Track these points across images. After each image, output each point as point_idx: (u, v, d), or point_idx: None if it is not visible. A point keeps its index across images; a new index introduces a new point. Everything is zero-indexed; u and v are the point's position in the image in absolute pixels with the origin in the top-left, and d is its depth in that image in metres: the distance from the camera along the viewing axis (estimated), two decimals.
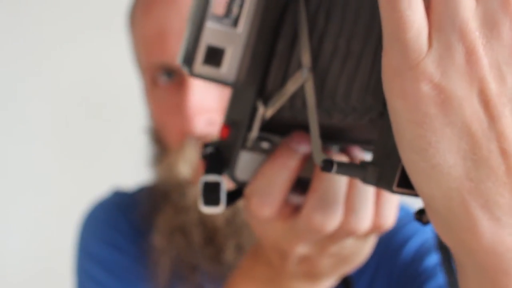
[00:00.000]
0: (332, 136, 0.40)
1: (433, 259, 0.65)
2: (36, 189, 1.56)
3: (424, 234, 0.68)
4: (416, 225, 0.69)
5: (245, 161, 0.41)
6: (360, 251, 0.45)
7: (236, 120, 0.41)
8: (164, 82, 0.70)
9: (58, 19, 1.53)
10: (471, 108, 0.26)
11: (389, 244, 0.68)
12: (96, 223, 0.80)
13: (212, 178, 0.40)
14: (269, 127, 0.41)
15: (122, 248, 0.76)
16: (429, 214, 0.29)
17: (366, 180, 0.32)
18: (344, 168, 0.33)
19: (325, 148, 0.42)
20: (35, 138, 1.56)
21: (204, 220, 0.72)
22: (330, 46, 0.36)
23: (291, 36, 0.39)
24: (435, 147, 0.27)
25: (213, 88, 0.67)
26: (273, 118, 0.39)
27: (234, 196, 0.42)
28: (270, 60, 0.39)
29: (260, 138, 0.41)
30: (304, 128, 0.39)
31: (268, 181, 0.40)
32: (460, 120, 0.26)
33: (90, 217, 0.81)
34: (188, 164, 0.68)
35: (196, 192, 0.70)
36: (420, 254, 0.66)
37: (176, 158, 0.69)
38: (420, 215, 0.34)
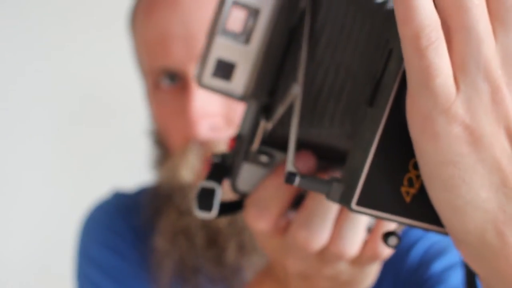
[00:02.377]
0: (335, 158, 0.41)
1: (440, 264, 0.65)
2: (36, 190, 1.56)
3: (429, 239, 0.68)
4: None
5: (247, 172, 0.42)
6: (360, 280, 0.45)
7: (242, 133, 0.43)
8: (167, 86, 0.69)
9: (60, 20, 1.52)
10: (500, 144, 0.28)
11: None
12: (96, 226, 0.80)
13: (209, 184, 0.42)
14: (272, 141, 0.42)
15: (122, 252, 0.76)
16: (460, 247, 0.30)
17: (329, 196, 0.33)
18: (308, 182, 0.34)
19: (323, 168, 0.43)
20: (36, 139, 1.55)
21: (208, 223, 0.72)
22: (323, 71, 0.38)
23: (297, 57, 0.40)
24: (468, 184, 0.28)
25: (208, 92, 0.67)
26: (276, 132, 0.41)
27: (231, 207, 0.44)
28: (278, 77, 0.41)
29: (260, 152, 0.42)
30: (307, 145, 0.41)
31: (267, 195, 0.41)
32: (491, 156, 0.28)
33: (90, 220, 0.81)
34: (190, 168, 0.68)
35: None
36: (427, 259, 0.66)
37: (178, 162, 0.69)
38: (387, 237, 0.35)
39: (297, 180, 0.33)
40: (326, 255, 0.42)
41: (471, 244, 0.29)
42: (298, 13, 0.41)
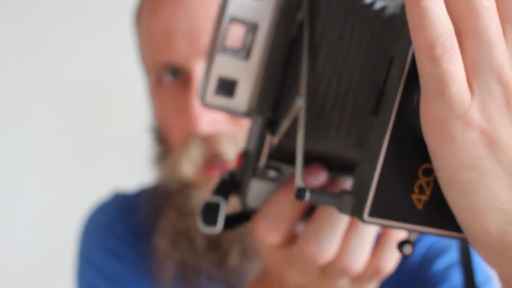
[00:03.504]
0: (344, 168, 0.41)
1: (443, 262, 0.65)
2: (37, 189, 1.56)
3: (431, 237, 0.67)
4: None
5: (256, 188, 0.42)
6: None
7: (248, 149, 0.43)
8: (169, 81, 0.69)
9: (60, 19, 1.54)
10: None
11: None
12: (95, 228, 0.79)
13: (215, 199, 0.42)
14: (280, 155, 0.42)
15: (121, 255, 0.76)
16: (479, 249, 0.30)
17: (341, 209, 0.33)
18: (319, 196, 0.33)
19: (334, 179, 0.43)
20: (36, 138, 1.56)
21: None
22: (325, 81, 0.38)
23: (299, 69, 0.40)
24: (487, 186, 0.28)
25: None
26: (283, 146, 0.41)
27: (236, 220, 0.44)
28: (281, 91, 0.41)
29: (268, 167, 0.42)
30: (316, 157, 0.40)
31: (278, 209, 0.41)
32: (508, 158, 0.28)
33: (90, 222, 0.81)
34: (191, 164, 0.68)
35: (200, 195, 0.70)
36: (429, 258, 0.66)
37: (179, 157, 0.68)
38: (402, 246, 0.35)
39: (307, 195, 0.33)
40: (330, 270, 0.42)
41: (491, 246, 0.29)
42: (296, 25, 0.41)
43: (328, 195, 0.33)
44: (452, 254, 0.65)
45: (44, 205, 1.55)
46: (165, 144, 0.74)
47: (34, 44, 1.54)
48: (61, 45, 1.53)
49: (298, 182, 0.35)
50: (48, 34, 1.53)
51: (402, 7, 0.31)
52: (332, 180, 0.42)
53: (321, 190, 0.34)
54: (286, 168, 0.43)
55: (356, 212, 0.32)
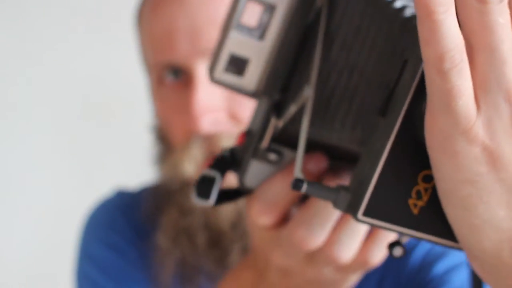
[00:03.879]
0: (346, 158, 0.41)
1: (442, 265, 0.64)
2: (38, 188, 1.56)
3: None
4: None
5: (255, 169, 0.42)
6: (340, 285, 0.45)
7: (252, 129, 0.43)
8: (171, 81, 0.69)
9: (61, 19, 1.54)
10: None
11: None
12: (97, 225, 0.80)
13: (210, 173, 0.41)
14: (282, 139, 0.42)
15: (122, 251, 0.76)
16: (475, 264, 0.30)
17: (336, 204, 0.33)
18: (316, 189, 0.33)
19: (334, 168, 0.43)
20: (36, 137, 1.56)
21: (209, 223, 0.71)
22: (336, 72, 0.38)
23: (311, 55, 0.40)
24: (486, 202, 0.28)
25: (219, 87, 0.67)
26: (287, 130, 0.40)
27: (230, 195, 0.44)
28: (292, 75, 0.41)
29: (269, 150, 0.42)
30: (318, 145, 0.40)
31: (275, 192, 0.41)
32: (510, 176, 0.28)
33: (91, 219, 0.81)
34: (193, 163, 0.68)
35: None
36: (429, 261, 0.65)
37: (181, 156, 0.69)
38: (392, 248, 0.35)
39: (304, 186, 0.33)
40: (317, 257, 0.42)
41: (487, 261, 0.29)
42: (315, 11, 0.41)
43: (325, 188, 0.33)
44: (452, 257, 0.65)
45: (44, 204, 1.55)
46: (166, 144, 0.74)
47: (35, 44, 1.54)
48: (61, 45, 1.53)
49: (297, 172, 0.34)
50: (48, 34, 1.54)
51: None
52: (332, 169, 0.42)
53: (319, 183, 0.34)
54: (287, 152, 0.42)
55: (350, 210, 0.32)
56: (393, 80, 0.31)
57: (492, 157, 0.28)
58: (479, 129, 0.27)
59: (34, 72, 1.55)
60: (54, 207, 1.54)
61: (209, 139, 0.66)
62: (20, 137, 1.56)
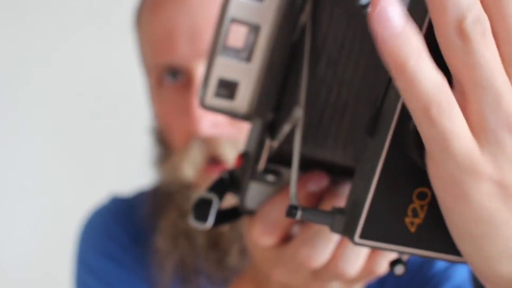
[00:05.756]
0: (345, 172, 0.41)
1: (443, 262, 0.64)
2: (37, 191, 1.56)
3: None
4: None
5: (254, 191, 0.42)
6: None
7: (248, 150, 0.42)
8: (170, 82, 0.69)
9: (62, 19, 1.53)
10: None
11: None
12: (93, 233, 0.80)
13: (208, 195, 0.41)
14: (279, 158, 0.41)
15: (119, 259, 0.76)
16: (489, 286, 0.30)
17: (333, 228, 0.32)
18: (311, 215, 0.33)
19: (335, 183, 0.42)
20: (36, 139, 1.56)
21: None
22: (326, 88, 0.37)
23: (300, 72, 0.39)
24: (501, 235, 0.27)
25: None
26: (283, 150, 0.40)
27: (228, 216, 0.43)
28: (282, 93, 0.40)
29: (267, 171, 0.42)
30: (316, 162, 0.40)
31: (275, 213, 0.41)
32: None
33: (87, 226, 0.81)
34: (192, 165, 0.68)
35: None
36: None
37: (180, 158, 0.68)
38: (394, 266, 0.35)
39: (299, 214, 0.33)
40: (323, 273, 0.42)
41: (502, 286, 0.29)
42: (299, 28, 0.40)
43: (320, 213, 0.33)
44: None
45: (44, 205, 1.55)
46: (166, 146, 0.73)
47: (35, 45, 1.53)
48: (62, 46, 1.53)
49: (292, 199, 0.34)
50: (48, 35, 1.53)
51: None
52: (333, 184, 0.42)
53: (313, 208, 0.33)
54: (285, 172, 0.42)
55: (347, 233, 0.31)
56: (380, 97, 0.30)
57: (503, 190, 0.27)
58: (484, 165, 0.26)
59: (34, 74, 1.54)
60: (53, 208, 1.54)
61: (208, 141, 0.66)
62: (19, 138, 1.55)
